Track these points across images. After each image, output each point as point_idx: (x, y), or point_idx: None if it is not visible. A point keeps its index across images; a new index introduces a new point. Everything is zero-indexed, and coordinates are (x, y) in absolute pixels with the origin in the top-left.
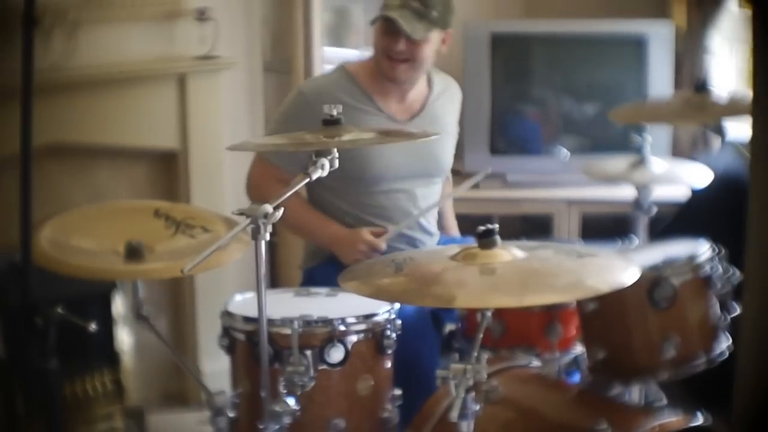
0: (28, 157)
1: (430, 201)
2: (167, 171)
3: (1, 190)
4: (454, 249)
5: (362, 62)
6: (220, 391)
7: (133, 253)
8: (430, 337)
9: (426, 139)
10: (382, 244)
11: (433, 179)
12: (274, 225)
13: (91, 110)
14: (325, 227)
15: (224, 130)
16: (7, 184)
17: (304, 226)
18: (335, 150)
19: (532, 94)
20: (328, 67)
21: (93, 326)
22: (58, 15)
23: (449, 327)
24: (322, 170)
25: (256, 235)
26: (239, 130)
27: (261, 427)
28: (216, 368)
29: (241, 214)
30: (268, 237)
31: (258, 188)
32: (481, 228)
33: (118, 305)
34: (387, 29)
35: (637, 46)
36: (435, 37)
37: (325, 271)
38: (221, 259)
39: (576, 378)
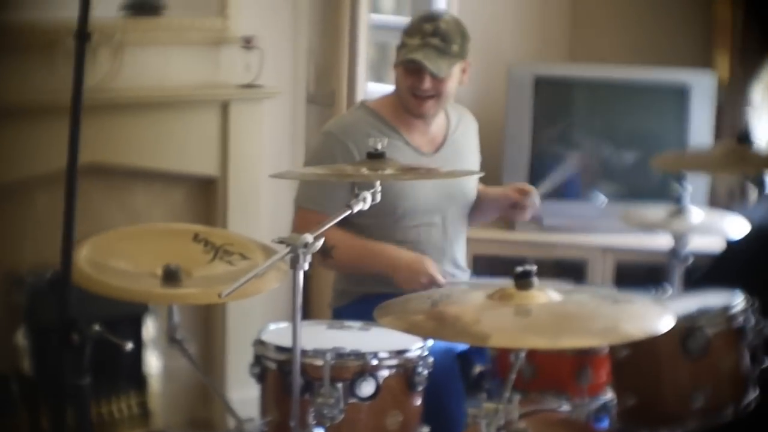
0: (73, 175)
1: (460, 232)
2: (205, 197)
3: (36, 208)
4: (490, 288)
5: (382, 99)
6: (250, 419)
7: (171, 276)
8: (458, 376)
9: (467, 176)
10: (443, 280)
11: (462, 210)
12: (312, 257)
13: (132, 132)
14: (386, 251)
15: (264, 158)
16: (41, 202)
17: (363, 255)
18: (378, 183)
19: (573, 138)
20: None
21: (129, 345)
22: (104, 35)
23: (479, 367)
24: (364, 203)
25: (295, 264)
26: (280, 160)
27: None
28: (243, 396)
29: (282, 242)
30: (306, 267)
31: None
32: (519, 268)
33: (149, 328)
34: (411, 69)
35: (679, 95)
36: (456, 69)
37: (355, 310)
38: (259, 286)
39: (605, 424)
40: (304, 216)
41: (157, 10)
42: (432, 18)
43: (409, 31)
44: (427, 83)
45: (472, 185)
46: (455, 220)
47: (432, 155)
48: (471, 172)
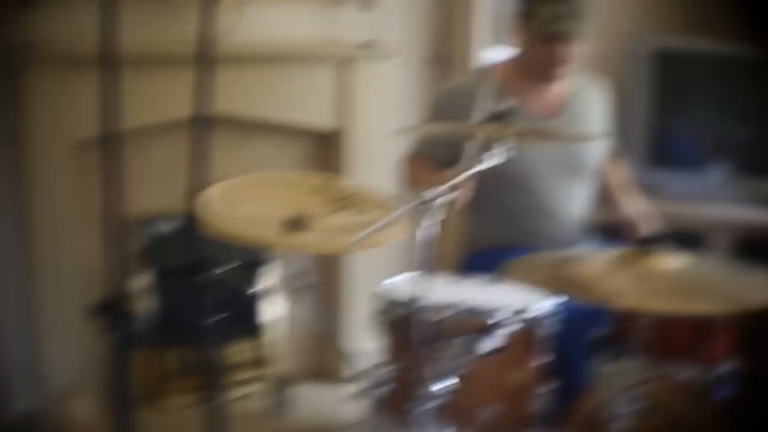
0: (204, 122)
1: (574, 201)
2: (324, 151)
3: (154, 156)
4: (616, 252)
5: (501, 64)
6: (374, 366)
7: (296, 224)
8: (583, 338)
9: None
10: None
11: (576, 179)
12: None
13: (251, 85)
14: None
15: (382, 115)
16: (162, 153)
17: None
18: (508, 141)
19: (692, 111)
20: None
21: (254, 290)
22: None
23: (600, 330)
24: (492, 160)
25: (423, 215)
26: (396, 119)
27: (412, 406)
28: (362, 347)
29: (408, 194)
30: (435, 219)
31: (413, 177)
32: (648, 234)
33: (273, 276)
34: (548, 38)
35: None
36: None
37: (482, 260)
38: (383, 238)
39: (724, 392)
40: (416, 158)
41: None
42: None
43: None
44: (564, 51)
45: (590, 154)
46: (567, 187)
47: (548, 119)
48: (583, 137)
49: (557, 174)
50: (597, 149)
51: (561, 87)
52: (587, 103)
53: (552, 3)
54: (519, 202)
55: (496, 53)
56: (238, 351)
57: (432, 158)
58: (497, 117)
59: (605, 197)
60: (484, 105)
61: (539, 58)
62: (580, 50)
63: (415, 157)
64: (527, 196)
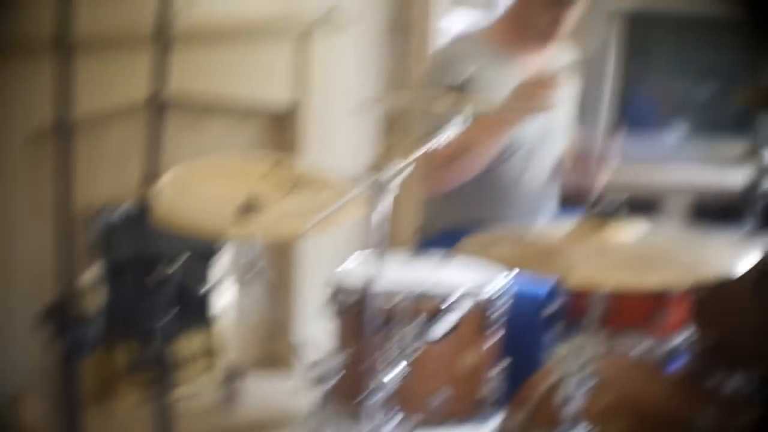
0: (160, 108)
1: (541, 174)
2: (282, 129)
3: (111, 143)
4: (573, 223)
5: (492, 26)
6: (325, 354)
7: (249, 209)
8: (537, 318)
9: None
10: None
11: (556, 148)
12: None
13: (207, 63)
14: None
15: (341, 88)
16: (115, 138)
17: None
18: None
19: (651, 72)
20: (450, 30)
21: (205, 282)
22: None
23: (554, 306)
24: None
25: (377, 195)
26: (356, 90)
27: (364, 392)
28: (315, 334)
29: (364, 173)
30: (389, 198)
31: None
32: (602, 203)
33: (223, 264)
34: (555, 2)
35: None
36: None
37: (439, 243)
38: (337, 219)
39: (678, 365)
40: None
41: None
42: None
43: None
44: (568, 13)
45: (562, 123)
46: (550, 152)
47: None
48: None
49: (539, 141)
50: (566, 119)
51: (548, 52)
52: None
53: None
54: (484, 176)
55: (456, 19)
56: (188, 343)
57: None
58: (459, 88)
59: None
60: (478, 69)
61: (542, 21)
62: (576, 13)
63: None
64: (512, 165)
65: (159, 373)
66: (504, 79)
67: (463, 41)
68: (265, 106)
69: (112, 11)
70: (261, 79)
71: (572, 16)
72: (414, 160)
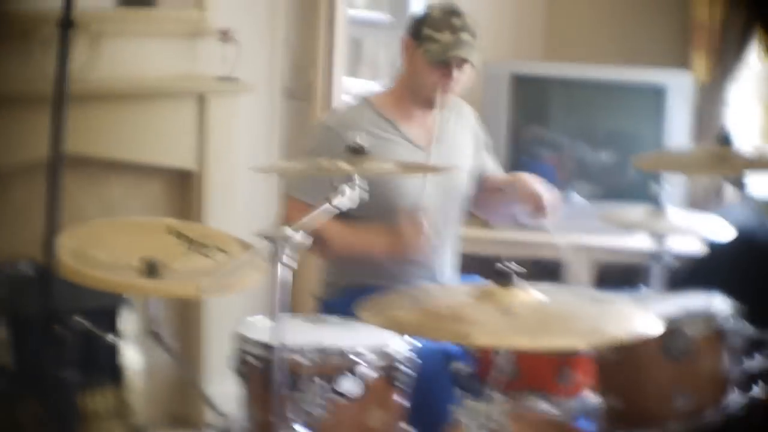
0: (58, 165)
1: (453, 229)
2: (182, 189)
3: (10, 199)
4: (472, 286)
5: (383, 93)
6: (231, 414)
7: (150, 269)
8: (444, 375)
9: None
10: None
11: (456, 206)
12: (297, 251)
13: (109, 124)
14: (377, 233)
15: (241, 151)
16: (17, 194)
17: (356, 242)
18: (357, 177)
19: (549, 137)
20: (346, 97)
21: (111, 337)
22: (81, 26)
23: (460, 366)
24: (342, 197)
25: (274, 257)
26: (257, 153)
27: None
28: (221, 391)
29: (262, 235)
30: (287, 260)
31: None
32: (502, 267)
33: (127, 321)
34: (443, 64)
35: (657, 96)
36: None
37: (343, 302)
38: (240, 283)
39: (584, 424)
40: (294, 206)
41: (151, 0)
42: (456, 12)
43: (436, 26)
44: (458, 77)
45: (465, 180)
46: (449, 216)
47: (429, 148)
48: (449, 168)
49: (438, 205)
50: (467, 179)
51: (439, 114)
52: (457, 127)
53: (449, 29)
54: None
55: (355, 83)
56: (96, 400)
57: (308, 204)
58: (353, 151)
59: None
60: (368, 135)
61: (428, 84)
62: (467, 76)
63: (293, 203)
64: None
65: (64, 430)
66: (395, 145)
67: (356, 107)
68: (167, 166)
69: (11, 70)
70: (164, 139)
71: (462, 81)
72: (308, 225)
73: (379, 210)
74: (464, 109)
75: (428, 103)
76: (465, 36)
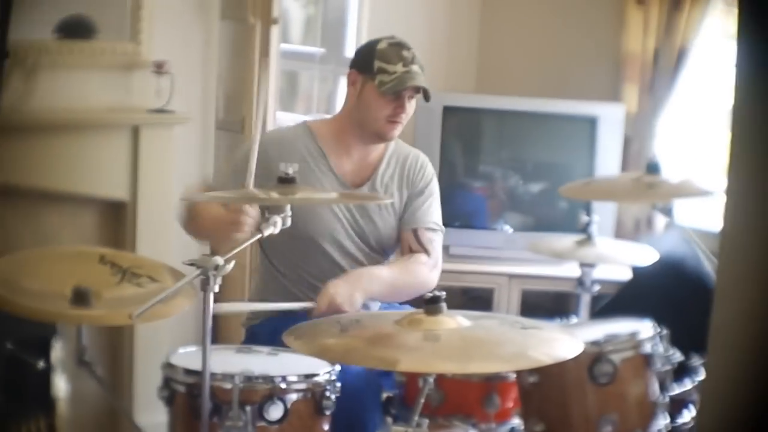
0: None
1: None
2: (115, 220)
3: None
4: (399, 314)
5: (324, 121)
6: None
7: (81, 298)
8: (371, 401)
9: (377, 201)
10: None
11: (370, 252)
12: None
13: (42, 154)
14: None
15: (174, 183)
16: None
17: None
18: (288, 208)
19: (480, 168)
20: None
21: (41, 365)
22: (16, 58)
23: (387, 393)
24: (274, 228)
25: (205, 286)
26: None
27: None
28: (152, 420)
29: (192, 264)
30: (217, 289)
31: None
32: (429, 294)
33: (57, 350)
34: (395, 96)
35: (587, 127)
36: None
37: (268, 328)
38: (169, 309)
39: None
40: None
41: (90, 33)
42: (404, 45)
43: (386, 58)
44: (407, 109)
45: (387, 230)
46: (360, 255)
47: (354, 189)
48: (376, 198)
49: (346, 244)
50: (391, 228)
51: (375, 157)
52: (394, 177)
53: (401, 61)
54: (306, 269)
55: (289, 117)
56: (28, 430)
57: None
58: (282, 181)
59: None
60: (281, 165)
61: (380, 116)
62: (413, 108)
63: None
64: (314, 264)
65: None
66: (320, 176)
67: (294, 129)
68: (101, 197)
69: None
70: (98, 170)
71: (410, 113)
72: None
73: (288, 237)
74: (415, 160)
75: (376, 137)
76: (415, 68)
